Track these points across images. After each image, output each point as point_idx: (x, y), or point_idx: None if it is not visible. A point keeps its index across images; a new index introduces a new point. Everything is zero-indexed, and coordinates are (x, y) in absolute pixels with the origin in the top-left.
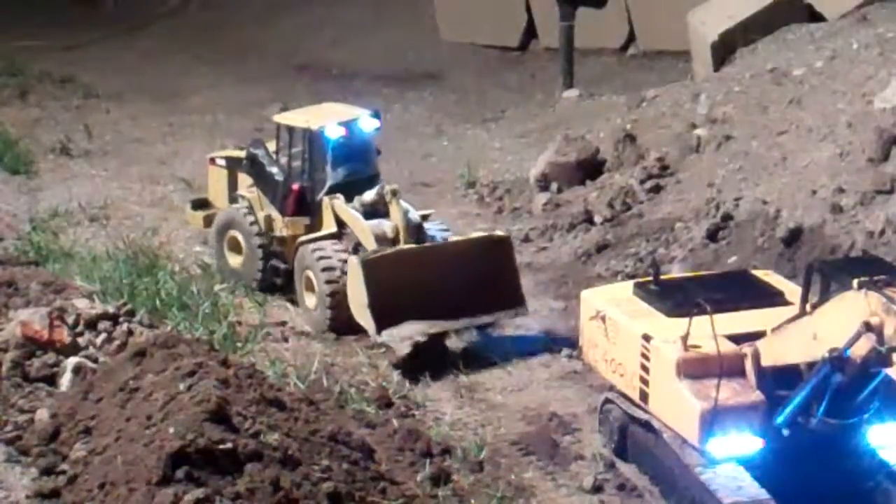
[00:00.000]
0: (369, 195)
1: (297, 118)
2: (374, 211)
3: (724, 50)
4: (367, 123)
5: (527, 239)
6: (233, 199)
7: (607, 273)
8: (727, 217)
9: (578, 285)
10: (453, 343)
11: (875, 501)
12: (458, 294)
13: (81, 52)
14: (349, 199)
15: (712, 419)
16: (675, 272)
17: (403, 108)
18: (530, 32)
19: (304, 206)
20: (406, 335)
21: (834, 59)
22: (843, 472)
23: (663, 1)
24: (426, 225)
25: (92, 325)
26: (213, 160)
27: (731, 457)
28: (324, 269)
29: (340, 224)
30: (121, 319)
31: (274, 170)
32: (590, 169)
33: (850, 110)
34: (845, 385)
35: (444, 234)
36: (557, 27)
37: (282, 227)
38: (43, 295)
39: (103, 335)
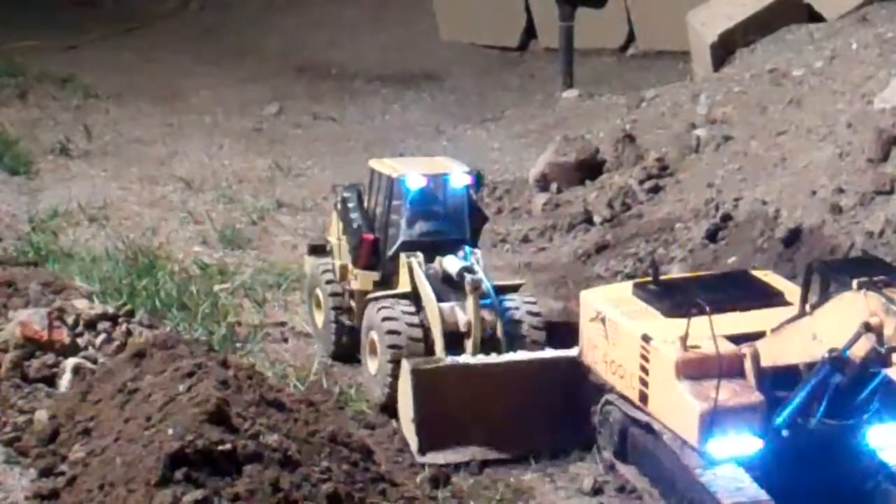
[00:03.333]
0: (453, 265)
1: (387, 165)
2: (454, 281)
3: (724, 50)
4: (459, 180)
5: (526, 239)
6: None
7: (607, 273)
8: (727, 217)
9: (578, 286)
10: None
11: (874, 502)
12: (520, 417)
13: (81, 52)
14: (430, 260)
15: (712, 420)
16: (675, 272)
17: (403, 108)
18: (530, 33)
19: (377, 259)
20: (452, 460)
21: (833, 59)
22: (842, 472)
23: (663, 1)
24: (513, 297)
25: (91, 325)
26: (336, 205)
27: (731, 458)
28: (388, 333)
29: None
30: (120, 320)
31: (355, 216)
32: (589, 169)
33: (850, 110)
34: (845, 386)
35: (531, 308)
36: (557, 27)
37: (352, 280)
38: (42, 295)
39: (103, 336)
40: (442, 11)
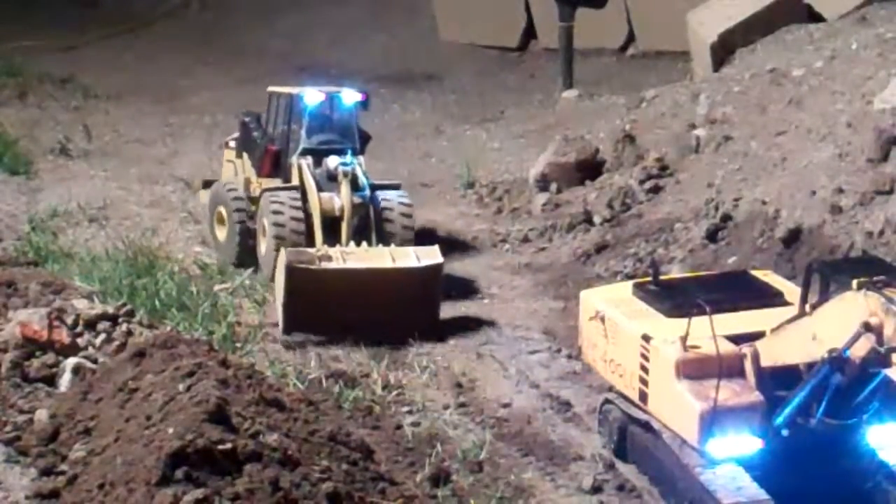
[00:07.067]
0: (333, 161)
1: (285, 88)
2: (337, 177)
3: (724, 50)
4: (350, 97)
5: (526, 239)
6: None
7: (607, 273)
8: (726, 217)
9: (578, 285)
10: (453, 341)
11: (874, 502)
12: (375, 316)
13: (81, 52)
14: (320, 165)
15: (711, 420)
16: (675, 272)
17: (402, 108)
18: (530, 33)
19: (278, 168)
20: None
21: (833, 59)
22: (842, 472)
23: (663, 1)
24: (389, 193)
25: (91, 325)
26: (227, 143)
27: (731, 457)
28: (274, 221)
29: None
30: (120, 320)
31: (257, 134)
32: (589, 169)
33: (850, 111)
34: (845, 386)
35: (403, 201)
36: (557, 28)
37: (256, 187)
38: (42, 295)
39: (103, 335)
40: (442, 11)
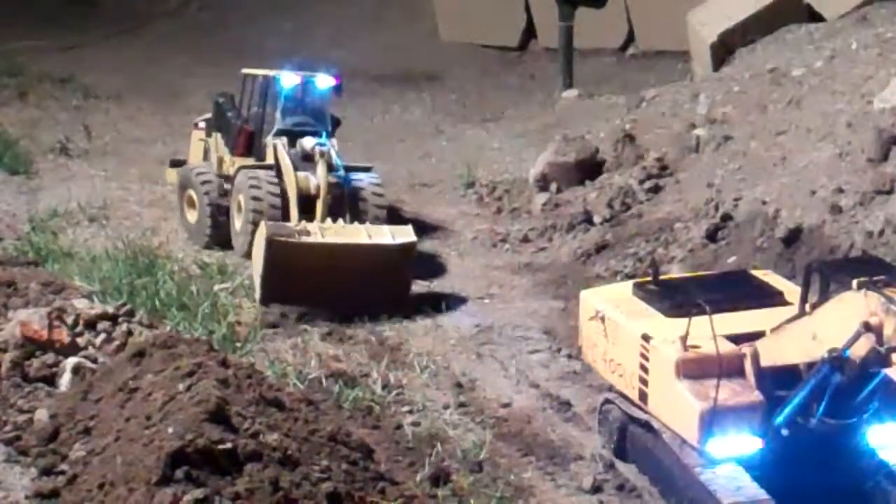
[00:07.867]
0: (308, 142)
1: (260, 70)
2: (312, 157)
3: (724, 50)
4: (324, 81)
5: (526, 239)
6: (206, 157)
7: (607, 273)
8: (726, 217)
9: (578, 285)
10: (453, 341)
11: (874, 501)
12: (350, 289)
13: (81, 52)
14: (294, 145)
15: (711, 419)
16: (675, 272)
17: (403, 108)
18: (530, 32)
19: (252, 148)
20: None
21: (833, 59)
22: (842, 472)
23: (663, 1)
24: (361, 174)
25: (91, 325)
26: (196, 124)
27: (731, 457)
28: (252, 196)
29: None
30: (120, 319)
31: (231, 114)
32: (589, 169)
33: (850, 110)
34: (844, 385)
35: (374, 180)
36: (557, 27)
37: (230, 166)
38: (42, 295)
39: (103, 335)
40: (442, 11)
